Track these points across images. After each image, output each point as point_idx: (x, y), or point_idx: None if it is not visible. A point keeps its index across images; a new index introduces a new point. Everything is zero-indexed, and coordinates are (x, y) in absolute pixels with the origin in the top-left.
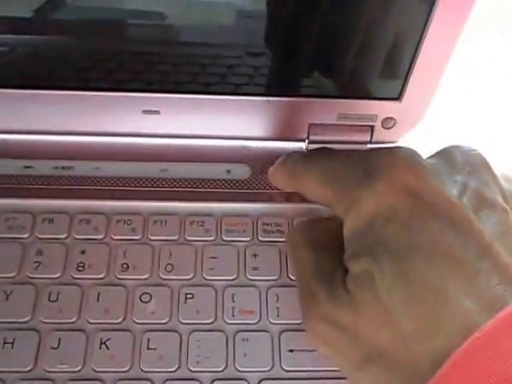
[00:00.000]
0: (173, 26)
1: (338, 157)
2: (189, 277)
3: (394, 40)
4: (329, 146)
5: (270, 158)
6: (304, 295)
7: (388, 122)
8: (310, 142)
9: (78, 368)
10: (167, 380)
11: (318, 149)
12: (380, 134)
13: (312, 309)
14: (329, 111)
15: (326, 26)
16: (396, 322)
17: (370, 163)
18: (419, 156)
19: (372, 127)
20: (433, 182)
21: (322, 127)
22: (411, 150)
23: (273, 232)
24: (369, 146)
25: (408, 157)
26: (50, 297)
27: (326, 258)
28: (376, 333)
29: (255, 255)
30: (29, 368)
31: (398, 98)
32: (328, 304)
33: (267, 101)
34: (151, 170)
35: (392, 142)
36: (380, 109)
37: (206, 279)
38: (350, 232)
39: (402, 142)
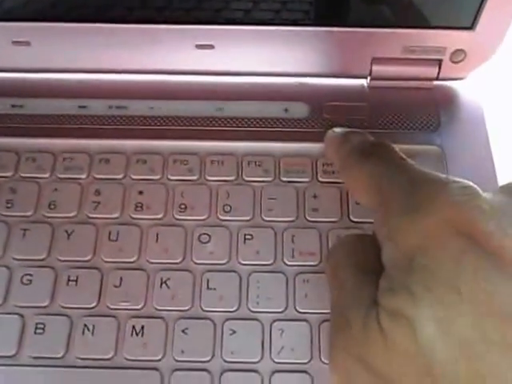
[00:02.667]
0: None
1: (396, 164)
2: (247, 218)
3: None
4: (392, 82)
5: (328, 95)
6: (336, 323)
7: (458, 55)
8: (373, 79)
9: (140, 306)
10: (227, 320)
11: (379, 143)
12: (448, 69)
13: (342, 340)
14: (393, 44)
15: None
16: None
17: (423, 188)
18: (477, 194)
19: (440, 61)
20: (490, 228)
21: (385, 62)
22: (469, 186)
23: (333, 173)
24: (435, 82)
25: (464, 195)
26: (109, 236)
27: (368, 283)
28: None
29: (315, 196)
30: (93, 305)
31: (471, 26)
32: (360, 337)
33: (327, 31)
34: (206, 108)
35: (460, 79)
36: (450, 40)
37: (264, 220)
38: (387, 261)
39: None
